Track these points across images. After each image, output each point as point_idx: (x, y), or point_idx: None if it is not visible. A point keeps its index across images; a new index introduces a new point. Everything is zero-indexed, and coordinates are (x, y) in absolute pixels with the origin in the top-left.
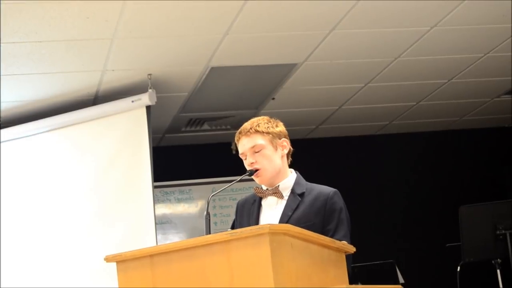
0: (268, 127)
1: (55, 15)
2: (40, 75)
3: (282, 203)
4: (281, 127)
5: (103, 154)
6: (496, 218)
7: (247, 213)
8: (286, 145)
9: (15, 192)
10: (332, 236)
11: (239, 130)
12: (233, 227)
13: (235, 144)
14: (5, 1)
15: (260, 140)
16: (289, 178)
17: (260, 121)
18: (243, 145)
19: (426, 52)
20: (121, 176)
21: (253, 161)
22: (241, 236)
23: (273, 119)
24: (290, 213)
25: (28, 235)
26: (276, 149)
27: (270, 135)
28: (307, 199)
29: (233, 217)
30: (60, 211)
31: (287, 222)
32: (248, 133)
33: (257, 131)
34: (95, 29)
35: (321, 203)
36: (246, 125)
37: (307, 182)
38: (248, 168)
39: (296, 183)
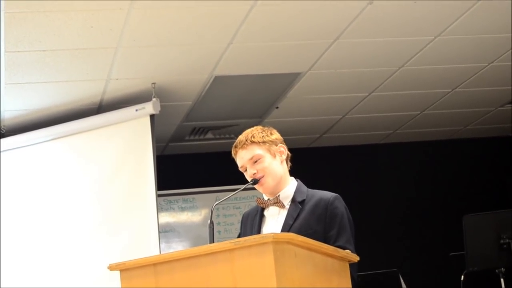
0: (263, 136)
1: (59, 24)
2: (44, 83)
3: (284, 213)
4: (276, 134)
5: (107, 162)
6: (500, 227)
7: (250, 224)
8: (283, 151)
9: (18, 201)
10: (334, 242)
11: (234, 144)
12: None
13: (234, 159)
14: (10, 10)
15: (257, 150)
16: (290, 187)
17: (255, 132)
18: (242, 158)
19: (430, 62)
20: (125, 184)
21: (254, 171)
22: (245, 245)
23: (266, 128)
24: (291, 222)
25: (32, 243)
26: (274, 156)
27: (267, 144)
28: (308, 206)
29: (236, 225)
30: (64, 220)
31: (288, 231)
32: (245, 145)
33: (253, 142)
34: (100, 38)
35: (322, 209)
36: (241, 137)
37: (308, 189)
38: (250, 179)
39: (297, 191)
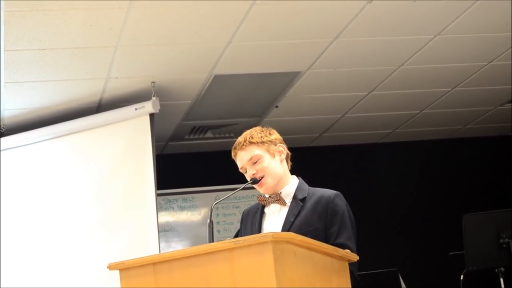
0: (261, 136)
1: (59, 22)
2: (43, 82)
3: (285, 210)
4: (275, 135)
5: (106, 161)
6: (499, 227)
7: (251, 221)
8: (283, 150)
9: (18, 200)
10: (335, 239)
11: (233, 146)
12: (236, 237)
13: (234, 160)
14: (9, 9)
15: (256, 150)
16: (291, 184)
17: (253, 133)
18: (241, 159)
19: (430, 61)
20: (124, 183)
21: (254, 172)
22: (244, 244)
23: (265, 128)
24: (292, 219)
25: (32, 243)
26: (273, 156)
27: (266, 144)
28: (309, 204)
29: (236, 225)
30: (63, 219)
31: (289, 229)
32: (243, 146)
33: (251, 143)
34: (99, 37)
35: (323, 207)
36: (240, 139)
37: (310, 187)
38: (250, 180)
39: (298, 188)
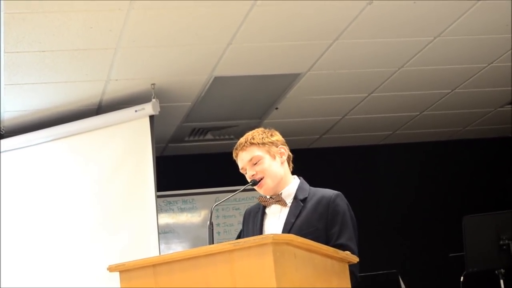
0: (262, 137)
1: (59, 24)
2: (43, 84)
3: (286, 210)
4: (276, 136)
5: (106, 163)
6: (499, 228)
7: (252, 221)
8: (284, 152)
9: (18, 202)
10: (336, 240)
11: (235, 147)
12: (239, 237)
13: (235, 160)
14: (9, 11)
15: (256, 151)
16: (292, 185)
17: (255, 134)
18: (242, 159)
19: (430, 62)
20: (124, 185)
21: (254, 173)
22: (244, 246)
23: (267, 130)
24: (293, 220)
25: (32, 244)
26: (274, 157)
27: (266, 145)
28: (310, 204)
29: (236, 226)
30: (64, 221)
31: (290, 229)
32: (244, 147)
33: (252, 144)
34: (99, 39)
35: (324, 207)
36: (241, 140)
37: (311, 187)
38: (250, 181)
39: (299, 188)
